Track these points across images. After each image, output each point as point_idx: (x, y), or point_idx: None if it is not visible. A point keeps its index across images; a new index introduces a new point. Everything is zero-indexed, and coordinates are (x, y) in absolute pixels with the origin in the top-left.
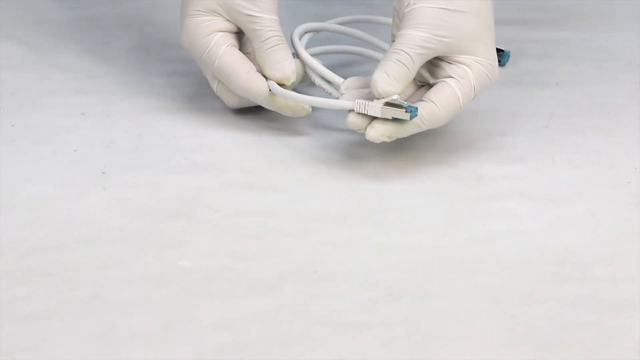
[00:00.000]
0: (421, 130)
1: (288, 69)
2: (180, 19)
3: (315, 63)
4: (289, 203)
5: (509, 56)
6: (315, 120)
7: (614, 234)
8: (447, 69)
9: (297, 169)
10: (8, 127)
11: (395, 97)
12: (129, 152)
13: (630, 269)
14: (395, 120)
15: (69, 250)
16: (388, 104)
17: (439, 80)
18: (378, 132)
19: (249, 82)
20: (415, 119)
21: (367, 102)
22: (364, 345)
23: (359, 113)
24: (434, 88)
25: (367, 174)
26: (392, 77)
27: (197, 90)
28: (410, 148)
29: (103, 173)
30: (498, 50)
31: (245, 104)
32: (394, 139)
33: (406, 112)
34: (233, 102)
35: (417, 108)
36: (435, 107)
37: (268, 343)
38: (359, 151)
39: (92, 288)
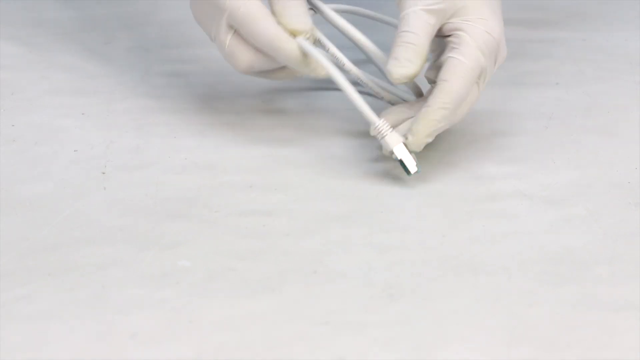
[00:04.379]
0: (450, 114)
1: (308, 21)
2: None
3: (342, 21)
4: (289, 203)
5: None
6: (316, 120)
7: (614, 234)
8: (448, 43)
9: (297, 169)
10: (8, 127)
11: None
12: (129, 152)
13: (630, 269)
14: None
15: (69, 250)
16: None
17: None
18: (416, 142)
19: (279, 36)
20: (439, 104)
21: (390, 130)
22: (364, 345)
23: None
24: (441, 69)
25: (367, 174)
26: (403, 59)
27: (197, 90)
28: None
29: (103, 173)
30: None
31: (258, 66)
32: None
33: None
34: (245, 60)
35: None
36: (449, 84)
37: (268, 343)
38: (359, 151)
39: (92, 288)
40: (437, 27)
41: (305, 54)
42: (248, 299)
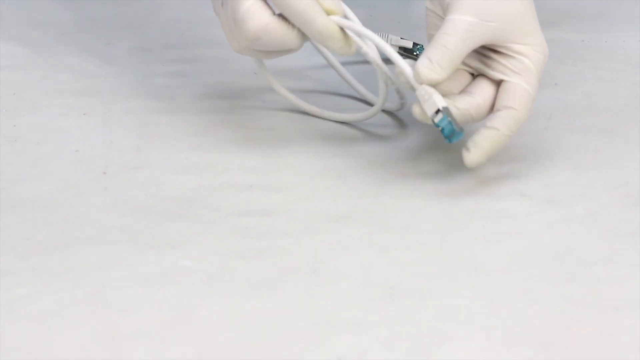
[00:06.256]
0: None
1: (340, 3)
2: None
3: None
4: (289, 203)
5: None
6: (316, 120)
7: (614, 234)
8: (507, 62)
9: (297, 169)
10: (9, 127)
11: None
12: (129, 152)
13: (630, 269)
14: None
15: (69, 250)
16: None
17: (504, 79)
18: (477, 155)
19: (314, 8)
20: (506, 130)
21: (435, 92)
22: (364, 345)
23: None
24: (504, 91)
25: (367, 174)
26: (436, 63)
27: (198, 91)
28: (410, 148)
29: (104, 173)
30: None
31: (266, 38)
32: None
33: (459, 129)
34: (259, 25)
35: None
36: (517, 112)
37: (268, 343)
38: (359, 151)
39: (93, 288)
40: (477, 43)
41: (340, 28)
42: (248, 299)
